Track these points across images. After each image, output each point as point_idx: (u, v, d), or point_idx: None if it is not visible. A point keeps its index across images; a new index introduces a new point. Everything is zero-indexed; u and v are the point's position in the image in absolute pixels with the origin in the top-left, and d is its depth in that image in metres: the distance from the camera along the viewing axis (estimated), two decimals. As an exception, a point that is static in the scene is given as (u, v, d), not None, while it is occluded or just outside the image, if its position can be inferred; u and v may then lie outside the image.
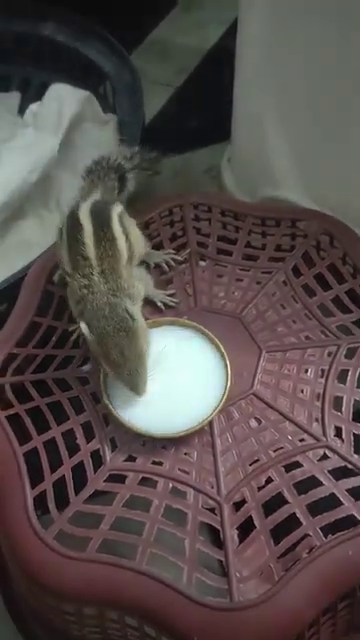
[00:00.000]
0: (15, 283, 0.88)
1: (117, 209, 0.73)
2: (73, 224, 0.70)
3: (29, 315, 0.76)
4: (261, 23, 0.86)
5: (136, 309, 0.66)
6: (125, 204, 0.79)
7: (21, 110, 1.23)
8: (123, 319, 0.64)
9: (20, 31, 1.25)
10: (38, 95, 1.22)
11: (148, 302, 0.77)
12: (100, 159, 0.84)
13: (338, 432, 0.66)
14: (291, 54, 0.84)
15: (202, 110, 1.30)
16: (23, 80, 1.27)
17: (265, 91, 0.91)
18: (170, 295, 0.77)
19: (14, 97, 1.26)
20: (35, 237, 1.07)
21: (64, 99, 1.14)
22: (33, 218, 1.09)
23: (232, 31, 0.95)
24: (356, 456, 0.64)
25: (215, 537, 0.62)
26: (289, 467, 0.63)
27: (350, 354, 0.71)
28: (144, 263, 0.79)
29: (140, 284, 0.70)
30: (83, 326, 0.64)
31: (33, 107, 1.18)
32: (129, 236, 0.71)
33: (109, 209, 0.72)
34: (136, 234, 0.74)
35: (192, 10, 1.50)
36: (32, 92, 1.26)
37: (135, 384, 0.64)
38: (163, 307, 0.76)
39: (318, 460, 0.64)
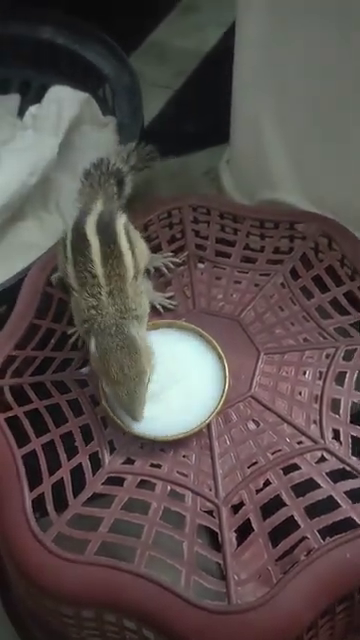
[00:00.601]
0: (14, 285, 0.88)
1: (122, 221, 0.73)
2: (79, 239, 0.70)
3: (28, 317, 0.76)
4: (259, 24, 0.86)
5: (142, 331, 0.66)
6: (124, 207, 0.79)
7: (20, 112, 1.23)
8: (127, 337, 0.63)
9: (19, 34, 1.25)
10: (37, 97, 1.22)
11: (147, 305, 0.77)
12: (99, 163, 0.84)
13: (336, 434, 0.66)
14: (289, 55, 0.85)
15: (201, 112, 1.30)
16: (23, 82, 1.27)
17: (263, 93, 0.91)
18: (168, 298, 0.77)
19: (13, 99, 1.26)
20: (34, 239, 1.07)
21: (63, 101, 1.15)
22: (32, 220, 1.09)
23: (231, 33, 0.96)
24: (354, 458, 0.64)
25: (213, 540, 0.62)
26: (287, 469, 0.64)
27: (348, 356, 0.71)
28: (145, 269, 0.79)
29: (145, 299, 0.70)
30: (92, 343, 0.64)
31: (32, 109, 1.18)
32: (135, 250, 0.71)
33: (115, 223, 0.72)
34: (141, 247, 0.74)
35: (191, 12, 1.50)
36: (32, 94, 1.26)
37: (133, 407, 0.62)
38: (162, 310, 0.76)
39: (316, 462, 0.64)
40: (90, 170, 0.83)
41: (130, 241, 0.71)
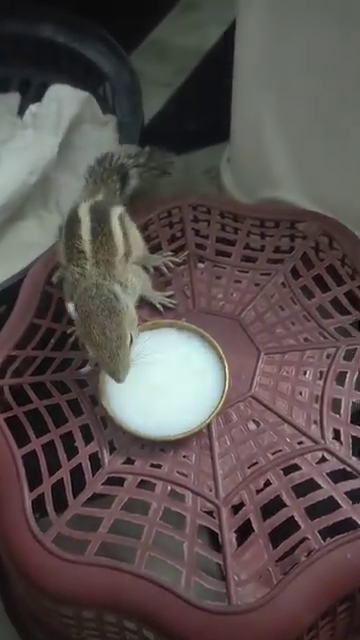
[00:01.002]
0: (14, 284, 0.87)
1: (118, 210, 0.73)
2: (72, 219, 0.71)
3: (28, 317, 0.76)
4: (259, 22, 0.86)
5: (125, 295, 0.65)
6: (126, 203, 0.79)
7: (21, 111, 1.23)
8: (108, 299, 0.63)
9: (20, 32, 1.25)
10: (38, 96, 1.22)
11: (147, 304, 0.77)
12: (103, 158, 0.83)
13: (336, 434, 0.66)
14: (290, 53, 0.84)
15: (201, 111, 1.29)
16: (23, 81, 1.27)
17: (264, 91, 0.91)
18: (168, 297, 0.77)
19: (14, 98, 1.25)
20: (35, 238, 1.06)
21: (64, 100, 1.14)
22: (33, 219, 1.09)
23: (231, 32, 0.95)
24: (354, 459, 0.64)
25: (213, 540, 0.61)
26: (288, 470, 0.63)
27: (349, 356, 0.71)
28: (144, 268, 0.78)
29: (136, 279, 0.70)
30: (70, 305, 0.64)
31: (33, 108, 1.18)
32: (127, 235, 0.71)
33: (109, 208, 0.72)
34: (135, 235, 0.74)
35: (191, 10, 1.49)
36: (32, 93, 1.26)
37: (115, 368, 0.61)
38: (162, 309, 0.76)
39: (317, 463, 0.64)
40: (94, 167, 0.83)
41: (123, 225, 0.71)
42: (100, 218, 0.70)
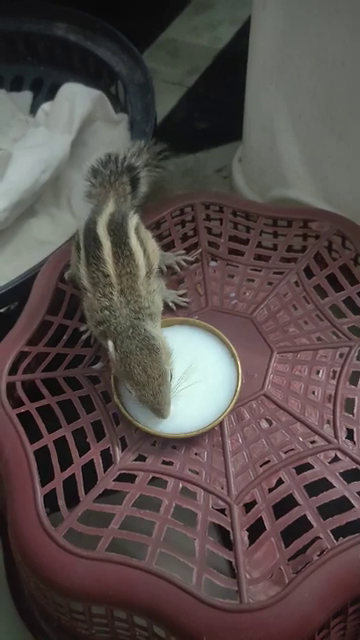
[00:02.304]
0: (26, 281, 0.88)
1: (133, 221, 0.72)
2: (91, 240, 0.70)
3: (40, 314, 0.76)
4: (274, 23, 0.86)
5: (157, 329, 0.66)
6: (137, 207, 0.78)
7: (33, 110, 1.24)
8: (145, 338, 0.63)
9: (33, 31, 1.26)
10: (50, 95, 1.23)
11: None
12: (107, 160, 0.82)
13: (350, 434, 0.65)
14: (304, 53, 0.84)
15: (213, 110, 1.30)
16: (35, 80, 1.28)
17: (278, 90, 0.91)
18: (181, 295, 0.77)
19: (26, 96, 1.26)
20: (46, 235, 1.07)
21: (76, 98, 1.15)
22: (44, 216, 1.10)
23: (244, 31, 0.96)
24: (368, 458, 0.63)
25: (223, 538, 0.61)
26: (300, 469, 0.63)
27: (362, 356, 0.71)
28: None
29: (158, 297, 0.70)
30: (110, 344, 0.64)
31: (45, 106, 1.19)
32: (146, 250, 0.71)
33: (126, 223, 0.71)
34: (153, 246, 0.74)
35: (204, 10, 1.50)
36: (44, 92, 1.26)
37: (159, 406, 0.62)
38: (174, 307, 0.76)
39: (329, 462, 0.63)
40: (98, 168, 0.82)
41: (141, 240, 0.71)
42: (120, 238, 0.69)
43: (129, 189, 0.81)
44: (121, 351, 0.63)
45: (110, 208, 0.74)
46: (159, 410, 0.63)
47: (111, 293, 0.66)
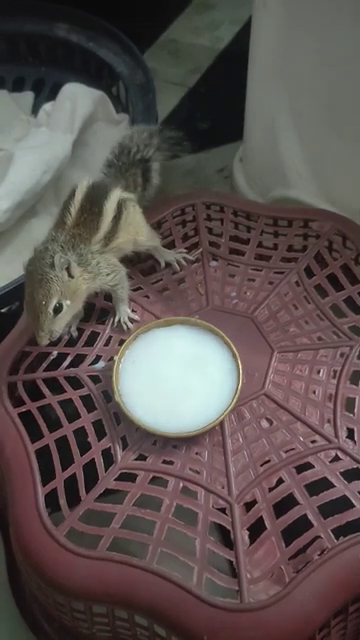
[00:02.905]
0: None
1: (123, 193, 0.73)
2: (70, 194, 0.72)
3: (41, 313, 0.76)
4: (275, 22, 0.86)
5: (74, 267, 0.66)
6: (150, 200, 0.79)
7: (34, 110, 1.24)
8: (45, 264, 0.65)
9: (34, 32, 1.26)
10: (52, 95, 1.23)
11: (160, 300, 0.76)
12: (120, 151, 0.82)
13: (350, 434, 0.65)
14: (305, 52, 0.84)
15: (214, 110, 1.30)
16: (37, 80, 1.28)
17: (279, 90, 0.91)
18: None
19: (28, 97, 1.26)
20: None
21: (78, 99, 1.15)
22: (45, 216, 1.10)
23: (245, 31, 0.95)
24: (368, 458, 0.63)
25: (224, 537, 0.61)
26: (300, 468, 0.63)
27: (363, 355, 0.71)
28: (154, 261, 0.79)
29: (107, 268, 0.71)
30: (24, 262, 0.67)
31: (47, 107, 1.19)
32: (120, 220, 0.72)
33: (110, 189, 0.73)
34: (137, 220, 0.75)
35: (205, 10, 1.50)
36: (46, 92, 1.26)
37: (36, 331, 0.65)
38: (177, 267, 0.78)
39: (330, 462, 0.63)
40: (112, 160, 0.82)
41: (120, 209, 0.72)
42: (95, 197, 0.71)
43: (140, 180, 0.81)
44: (26, 270, 0.66)
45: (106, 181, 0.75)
46: (35, 335, 0.65)
47: (60, 232, 0.69)
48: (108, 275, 0.71)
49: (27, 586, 0.73)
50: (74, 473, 0.64)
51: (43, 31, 1.25)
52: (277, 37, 0.87)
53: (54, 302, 0.65)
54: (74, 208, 0.70)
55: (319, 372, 0.70)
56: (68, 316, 0.67)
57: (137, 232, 0.74)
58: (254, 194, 1.05)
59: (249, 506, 0.62)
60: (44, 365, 0.73)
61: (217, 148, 1.23)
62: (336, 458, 0.63)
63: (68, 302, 0.66)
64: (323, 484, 0.62)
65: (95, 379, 0.71)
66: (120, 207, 0.72)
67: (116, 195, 0.72)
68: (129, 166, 0.81)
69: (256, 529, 0.60)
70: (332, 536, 0.58)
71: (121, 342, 0.73)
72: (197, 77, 1.37)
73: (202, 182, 1.19)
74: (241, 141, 1.11)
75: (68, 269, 0.66)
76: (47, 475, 0.64)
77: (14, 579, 0.79)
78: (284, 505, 0.61)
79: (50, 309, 0.65)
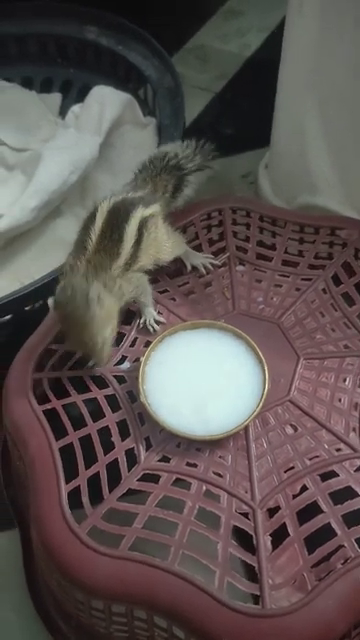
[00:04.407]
0: (51, 281, 0.88)
1: (145, 210, 0.72)
2: (91, 215, 0.72)
3: (67, 312, 0.76)
4: (309, 29, 0.86)
5: (104, 297, 0.67)
6: (175, 206, 0.79)
7: (62, 111, 1.25)
8: (79, 307, 0.65)
9: (64, 34, 1.27)
10: (79, 97, 1.24)
11: (186, 303, 0.77)
12: (155, 156, 0.82)
13: (376, 443, 0.65)
14: (338, 61, 0.84)
15: (240, 116, 1.30)
16: (65, 82, 1.29)
17: (309, 97, 0.91)
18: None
19: (56, 98, 1.28)
20: (71, 235, 1.06)
21: (106, 101, 1.16)
22: (70, 216, 1.11)
23: (272, 39, 0.96)
24: (393, 468, 0.63)
25: (243, 542, 0.61)
26: (325, 476, 0.63)
27: (389, 365, 0.70)
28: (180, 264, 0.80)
29: (130, 287, 0.71)
30: (50, 301, 0.67)
31: (75, 108, 1.20)
32: (141, 243, 0.71)
33: (132, 208, 0.71)
34: (159, 239, 0.74)
35: (233, 17, 1.51)
36: (73, 94, 1.28)
37: (94, 360, 0.69)
38: (204, 270, 0.78)
39: (355, 471, 0.63)
40: (145, 163, 0.82)
41: (144, 231, 0.71)
42: (116, 221, 0.70)
43: (171, 187, 0.81)
44: (59, 312, 0.66)
45: (131, 194, 0.74)
46: (95, 362, 0.69)
47: (81, 260, 0.68)
48: (131, 292, 0.72)
49: (44, 584, 0.74)
50: (97, 472, 0.64)
51: (73, 33, 1.27)
52: (310, 43, 0.87)
53: (100, 339, 0.66)
54: (94, 234, 0.69)
55: (345, 380, 0.70)
56: (113, 337, 0.69)
57: (158, 251, 0.74)
58: (279, 200, 1.05)
59: (272, 512, 0.62)
60: (69, 364, 0.74)
61: (242, 154, 1.24)
62: (361, 467, 0.63)
63: (109, 330, 0.67)
64: (347, 493, 0.62)
65: (120, 379, 0.71)
66: (141, 229, 0.71)
67: (137, 218, 0.71)
68: (160, 170, 0.81)
69: (279, 535, 0.60)
70: (356, 545, 0.58)
71: (147, 344, 0.73)
72: (224, 83, 1.38)
73: (226, 187, 1.19)
74: (266, 147, 1.11)
75: (100, 302, 0.66)
76: (69, 473, 0.65)
77: (31, 578, 0.79)
78: (307, 512, 0.61)
79: (99, 345, 0.67)
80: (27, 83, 1.28)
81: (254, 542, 0.60)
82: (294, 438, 0.66)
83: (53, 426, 0.68)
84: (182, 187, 0.83)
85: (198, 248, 0.84)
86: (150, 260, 0.74)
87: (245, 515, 0.62)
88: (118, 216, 0.70)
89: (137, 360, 0.71)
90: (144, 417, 0.68)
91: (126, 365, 0.72)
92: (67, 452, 0.66)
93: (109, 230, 0.70)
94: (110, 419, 0.68)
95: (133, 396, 0.69)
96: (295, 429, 0.67)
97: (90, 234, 0.70)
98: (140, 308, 0.75)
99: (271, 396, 0.68)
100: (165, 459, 0.65)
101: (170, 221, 0.78)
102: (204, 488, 0.63)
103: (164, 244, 0.75)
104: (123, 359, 0.73)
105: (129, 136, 1.17)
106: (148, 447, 0.66)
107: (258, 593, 0.57)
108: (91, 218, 0.71)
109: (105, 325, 0.66)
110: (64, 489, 0.63)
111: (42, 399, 0.71)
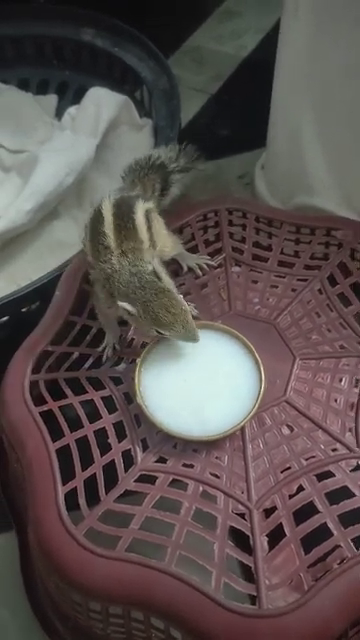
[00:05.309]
0: (48, 282, 0.89)
1: (144, 205, 0.73)
2: (95, 216, 0.72)
3: (64, 314, 0.76)
4: (304, 30, 0.86)
5: (160, 268, 0.67)
6: (164, 209, 0.79)
7: (58, 113, 1.25)
8: (154, 282, 0.66)
9: (60, 35, 1.27)
10: (75, 98, 1.24)
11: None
12: (141, 158, 0.83)
13: (372, 443, 0.65)
14: (333, 62, 0.84)
15: (236, 117, 1.30)
16: (61, 83, 1.30)
17: (304, 98, 0.91)
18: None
19: (52, 100, 1.28)
20: (68, 237, 1.08)
21: (102, 103, 1.16)
22: (67, 218, 1.11)
23: (269, 40, 0.96)
24: (390, 468, 0.63)
25: (239, 542, 0.61)
26: (321, 476, 0.63)
27: (385, 365, 0.71)
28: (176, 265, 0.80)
29: (165, 273, 0.70)
30: (124, 304, 0.66)
31: (71, 110, 1.20)
32: (152, 229, 0.72)
33: (134, 202, 0.72)
34: (162, 232, 0.75)
35: (228, 18, 1.51)
36: (69, 95, 1.28)
37: (192, 334, 0.66)
38: (200, 272, 0.78)
39: (351, 471, 0.63)
40: (132, 165, 0.83)
41: (148, 219, 0.72)
42: (124, 213, 0.71)
43: (158, 187, 0.81)
44: (140, 303, 0.65)
45: (125, 193, 0.75)
46: (191, 338, 0.66)
47: (111, 258, 0.68)
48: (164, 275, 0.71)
49: (41, 585, 0.74)
50: (94, 473, 0.64)
51: (69, 35, 1.27)
52: (305, 45, 0.87)
53: (185, 303, 0.67)
54: (109, 229, 0.70)
55: (341, 380, 0.70)
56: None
57: (164, 244, 0.74)
58: (275, 201, 1.05)
59: (268, 512, 0.62)
60: (66, 365, 0.74)
61: (238, 155, 1.24)
62: (357, 467, 0.63)
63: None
64: (344, 493, 0.62)
65: (117, 380, 0.71)
66: (148, 218, 0.72)
67: (141, 208, 0.72)
68: (148, 171, 0.81)
69: (275, 535, 0.60)
70: (352, 545, 0.58)
71: (143, 344, 0.73)
72: (219, 84, 1.38)
73: (223, 188, 1.19)
74: (262, 148, 1.11)
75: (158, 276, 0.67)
76: (66, 475, 0.65)
77: (28, 580, 0.79)
78: (304, 513, 0.61)
79: (188, 309, 0.66)
80: (23, 85, 1.29)
81: (251, 542, 0.60)
82: (290, 438, 0.66)
83: (50, 428, 0.68)
84: (169, 186, 0.83)
85: (194, 249, 0.84)
86: (166, 252, 0.75)
87: (242, 515, 0.62)
88: (124, 208, 0.71)
89: (133, 361, 0.71)
90: (140, 418, 0.68)
91: (122, 366, 0.72)
92: (64, 453, 0.66)
93: (121, 221, 0.70)
94: (107, 420, 0.68)
95: (129, 397, 0.70)
96: (291, 429, 0.67)
97: (104, 231, 0.69)
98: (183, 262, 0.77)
99: (267, 397, 0.68)
100: (162, 460, 0.65)
101: (165, 222, 0.79)
102: (201, 489, 0.63)
103: (167, 237, 0.76)
104: (119, 360, 0.73)
105: (125, 137, 1.18)
106: (145, 448, 0.66)
107: (255, 593, 0.57)
108: (97, 218, 0.71)
109: (176, 290, 0.67)
110: (61, 491, 0.63)
111: (39, 401, 0.71)
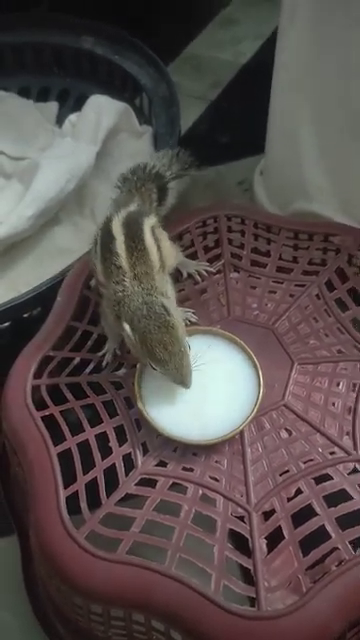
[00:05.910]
0: (49, 288, 0.90)
1: (150, 221, 0.74)
2: (106, 235, 0.72)
3: (65, 319, 0.77)
4: (301, 37, 0.88)
5: (171, 305, 0.67)
6: (162, 216, 0.80)
7: (59, 120, 1.27)
8: (161, 316, 0.65)
9: (61, 43, 1.29)
10: (76, 105, 1.26)
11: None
12: (136, 167, 0.84)
13: (369, 447, 0.66)
14: (331, 68, 0.86)
15: (235, 124, 1.32)
16: (62, 91, 1.31)
17: (302, 104, 0.92)
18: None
19: (52, 107, 1.29)
20: (69, 243, 1.09)
21: (102, 110, 1.17)
22: (68, 225, 1.12)
23: (267, 46, 0.97)
24: (387, 471, 0.64)
25: (238, 545, 0.62)
26: (319, 479, 0.64)
27: (382, 369, 0.71)
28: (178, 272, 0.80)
29: (172, 291, 0.71)
30: (126, 327, 0.66)
31: (72, 117, 1.21)
32: (160, 248, 0.72)
33: (141, 221, 0.73)
34: (167, 246, 0.75)
35: (227, 25, 1.53)
36: (70, 103, 1.29)
37: (183, 377, 0.64)
38: (198, 277, 0.78)
39: (349, 474, 0.64)
40: (127, 175, 0.84)
41: (155, 238, 0.72)
42: (134, 233, 0.71)
43: (155, 197, 0.82)
44: (139, 332, 0.65)
45: (129, 208, 0.76)
46: (182, 382, 0.65)
47: (124, 280, 0.68)
48: (173, 295, 0.72)
49: (42, 588, 0.74)
50: (95, 477, 0.65)
51: (69, 43, 1.28)
52: (302, 52, 0.88)
53: (187, 345, 0.65)
54: (121, 250, 0.70)
55: (339, 385, 0.71)
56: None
57: (167, 256, 0.74)
58: (274, 207, 1.06)
59: (267, 515, 0.63)
60: (67, 370, 0.75)
61: (237, 161, 1.25)
62: (355, 470, 0.64)
63: (186, 338, 0.66)
64: (342, 496, 0.62)
65: (117, 385, 0.72)
66: (154, 236, 0.73)
67: (148, 226, 0.73)
68: (144, 181, 0.82)
69: (274, 538, 0.61)
70: (350, 548, 0.59)
71: (143, 349, 0.74)
72: (218, 91, 1.40)
73: (222, 194, 1.20)
74: (261, 155, 1.12)
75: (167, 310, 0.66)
76: (67, 478, 0.65)
77: (29, 583, 0.79)
78: (302, 515, 0.62)
79: (188, 352, 0.65)
80: (24, 92, 1.30)
81: (250, 545, 0.61)
82: (289, 442, 0.67)
83: (51, 432, 0.69)
84: (165, 195, 0.84)
85: (194, 255, 0.85)
86: (171, 265, 0.75)
87: (241, 518, 0.62)
88: (133, 227, 0.71)
89: (134, 366, 0.72)
90: (141, 423, 0.69)
91: (123, 371, 0.73)
92: (65, 457, 0.67)
93: (132, 242, 0.70)
94: (107, 425, 0.69)
95: (130, 402, 0.70)
96: (290, 433, 0.68)
97: (117, 251, 0.69)
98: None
99: (266, 401, 0.69)
100: (162, 464, 0.66)
101: (165, 228, 0.79)
102: (200, 492, 0.64)
103: (170, 249, 0.76)
104: (120, 365, 0.74)
105: (125, 145, 1.19)
106: (145, 452, 0.67)
107: (254, 595, 0.58)
108: (108, 238, 0.71)
109: (183, 330, 0.66)
110: (62, 494, 0.64)
111: (40, 405, 0.71)
